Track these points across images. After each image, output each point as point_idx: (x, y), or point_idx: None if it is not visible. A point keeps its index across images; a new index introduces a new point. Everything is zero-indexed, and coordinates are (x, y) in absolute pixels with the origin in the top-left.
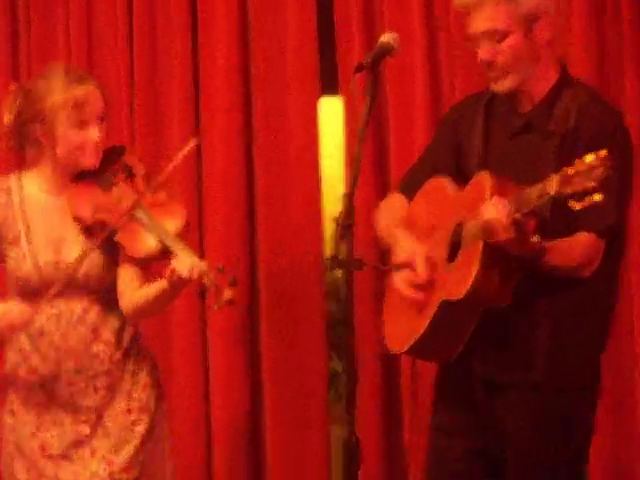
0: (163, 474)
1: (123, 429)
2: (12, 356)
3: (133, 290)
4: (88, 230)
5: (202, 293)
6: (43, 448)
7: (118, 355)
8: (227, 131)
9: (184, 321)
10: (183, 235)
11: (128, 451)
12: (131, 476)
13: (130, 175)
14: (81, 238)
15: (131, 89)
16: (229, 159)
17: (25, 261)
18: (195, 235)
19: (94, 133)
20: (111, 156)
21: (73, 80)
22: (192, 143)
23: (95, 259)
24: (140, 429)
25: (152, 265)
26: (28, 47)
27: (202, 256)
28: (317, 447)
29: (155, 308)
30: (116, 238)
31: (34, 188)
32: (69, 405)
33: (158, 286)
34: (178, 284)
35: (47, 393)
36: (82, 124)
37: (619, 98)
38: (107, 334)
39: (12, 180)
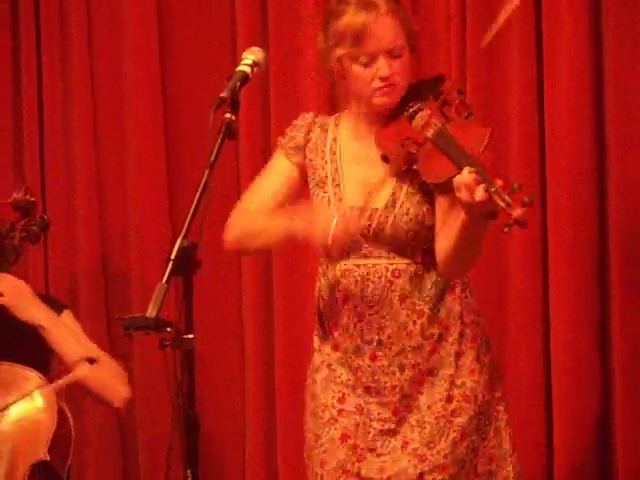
0: (506, 475)
1: (440, 419)
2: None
3: (445, 230)
4: (397, 171)
5: (493, 214)
6: (345, 437)
7: (433, 329)
8: None
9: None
10: (484, 157)
11: (445, 446)
12: (446, 476)
13: (444, 104)
14: (392, 180)
15: None
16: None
17: (329, 207)
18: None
19: (381, 68)
20: (428, 85)
21: (360, 5)
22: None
23: (405, 205)
24: (461, 421)
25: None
26: None
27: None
28: None
29: (463, 252)
30: (415, 166)
31: (347, 130)
32: (372, 385)
33: (458, 222)
34: (471, 211)
35: (351, 371)
36: (369, 57)
37: None
38: (420, 303)
39: (331, 119)
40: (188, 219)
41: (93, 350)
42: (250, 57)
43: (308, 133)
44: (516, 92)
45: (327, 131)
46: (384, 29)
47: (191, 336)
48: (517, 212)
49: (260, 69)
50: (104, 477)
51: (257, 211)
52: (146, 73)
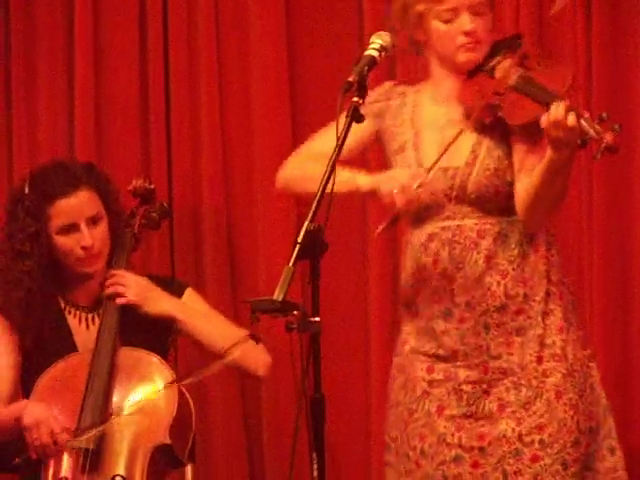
0: (608, 430)
1: (533, 380)
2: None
3: (525, 173)
4: (481, 125)
5: (583, 142)
6: (440, 409)
7: (518, 289)
8: None
9: None
10: (568, 96)
11: (540, 407)
12: (545, 435)
13: (524, 57)
14: (472, 138)
15: None
16: None
17: (410, 170)
18: None
19: (465, 23)
20: (505, 43)
21: None
22: None
23: (486, 161)
24: (554, 380)
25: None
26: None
27: None
28: None
29: (547, 191)
30: (500, 113)
31: (427, 97)
32: (460, 348)
33: (543, 161)
34: (561, 143)
35: (435, 337)
36: (451, 14)
37: None
38: (503, 263)
39: (412, 87)
40: (315, 202)
41: (227, 327)
42: (378, 41)
43: (388, 99)
44: None
45: (406, 97)
46: None
47: (318, 319)
48: (608, 137)
49: (388, 53)
50: (228, 462)
51: (315, 157)
52: (273, 58)
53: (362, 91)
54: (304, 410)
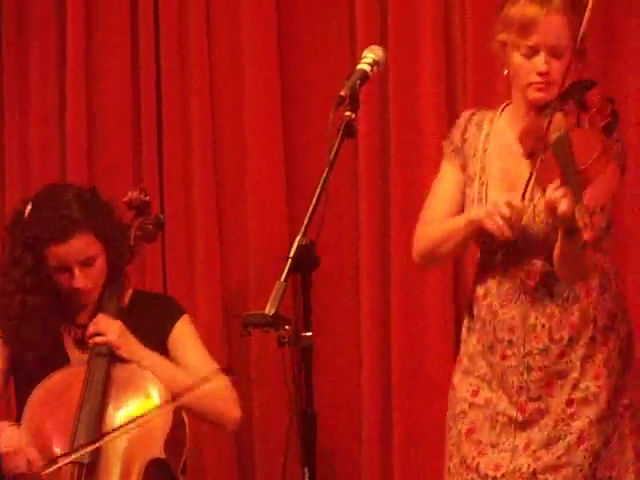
0: None
1: (559, 422)
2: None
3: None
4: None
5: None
6: (470, 431)
7: (563, 333)
8: None
9: None
10: (591, 168)
11: (559, 448)
12: (559, 477)
13: (583, 108)
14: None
15: None
16: None
17: (473, 205)
18: None
19: (540, 63)
20: (574, 88)
21: None
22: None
23: (538, 207)
24: (580, 424)
25: None
26: None
27: None
28: None
29: (565, 264)
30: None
31: (503, 121)
32: (501, 383)
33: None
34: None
35: (488, 365)
36: (530, 50)
37: None
38: (550, 305)
39: (489, 113)
40: (307, 217)
41: (198, 372)
42: (370, 55)
43: (464, 133)
44: None
45: (482, 127)
46: (551, 26)
47: (309, 334)
48: (586, 235)
49: (380, 68)
50: (219, 477)
51: (440, 219)
52: (265, 71)
53: (354, 105)
54: (295, 425)
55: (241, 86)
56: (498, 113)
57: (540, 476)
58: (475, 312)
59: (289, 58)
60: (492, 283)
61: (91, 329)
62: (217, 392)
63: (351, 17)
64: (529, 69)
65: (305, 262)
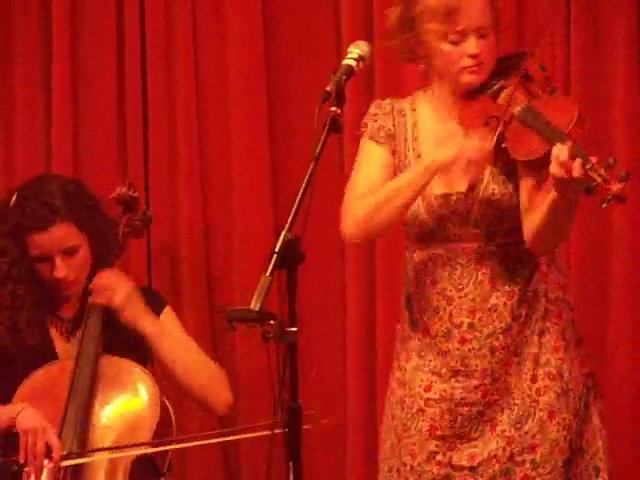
0: (595, 450)
1: (526, 399)
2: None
3: (532, 209)
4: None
5: (588, 190)
6: (433, 429)
7: (522, 310)
8: None
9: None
10: (574, 133)
11: (533, 426)
12: (536, 456)
13: (527, 80)
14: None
15: None
16: None
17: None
18: None
19: (471, 46)
20: (510, 62)
21: None
22: None
23: (490, 186)
24: (547, 399)
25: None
26: None
27: None
28: None
29: (554, 227)
30: (504, 144)
31: (426, 113)
32: (461, 369)
33: (548, 198)
34: (565, 187)
35: (440, 355)
36: (459, 36)
37: None
38: (508, 284)
39: (406, 102)
40: (292, 212)
41: (194, 357)
42: (356, 51)
43: (393, 120)
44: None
45: (405, 116)
46: (475, 7)
47: (294, 329)
48: (616, 187)
49: (365, 63)
50: (204, 473)
51: (369, 191)
52: (250, 67)
53: (340, 100)
54: (281, 419)
55: (227, 82)
56: (418, 102)
57: (518, 458)
58: (422, 304)
59: (275, 54)
60: (441, 271)
61: (98, 282)
62: (210, 373)
63: (336, 13)
64: (459, 54)
65: (290, 257)
